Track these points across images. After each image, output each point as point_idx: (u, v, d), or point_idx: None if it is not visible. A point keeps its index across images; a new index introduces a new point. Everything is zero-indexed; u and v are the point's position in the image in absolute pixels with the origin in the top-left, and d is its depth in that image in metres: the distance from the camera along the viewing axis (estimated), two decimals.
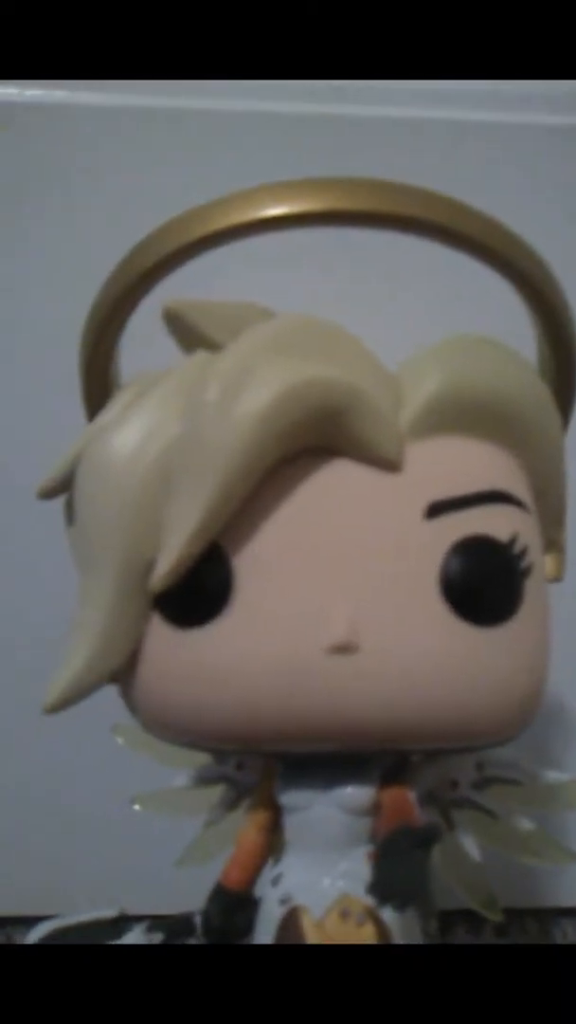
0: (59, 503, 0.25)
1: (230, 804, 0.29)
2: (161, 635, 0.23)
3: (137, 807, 0.31)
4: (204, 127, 0.38)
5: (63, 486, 0.25)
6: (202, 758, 0.29)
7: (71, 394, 0.27)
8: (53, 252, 0.38)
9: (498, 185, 0.35)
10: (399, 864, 0.22)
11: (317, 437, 0.22)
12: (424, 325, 0.27)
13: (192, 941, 0.26)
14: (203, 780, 0.29)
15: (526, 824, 0.28)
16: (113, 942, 0.27)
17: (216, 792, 0.29)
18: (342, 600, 0.22)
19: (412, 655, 0.22)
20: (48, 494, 0.25)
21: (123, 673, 0.24)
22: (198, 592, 0.22)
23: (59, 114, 0.37)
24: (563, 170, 0.39)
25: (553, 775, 0.28)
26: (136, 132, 0.38)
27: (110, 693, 0.25)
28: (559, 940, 0.41)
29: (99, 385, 0.26)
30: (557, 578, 0.26)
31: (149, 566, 0.22)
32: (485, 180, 0.35)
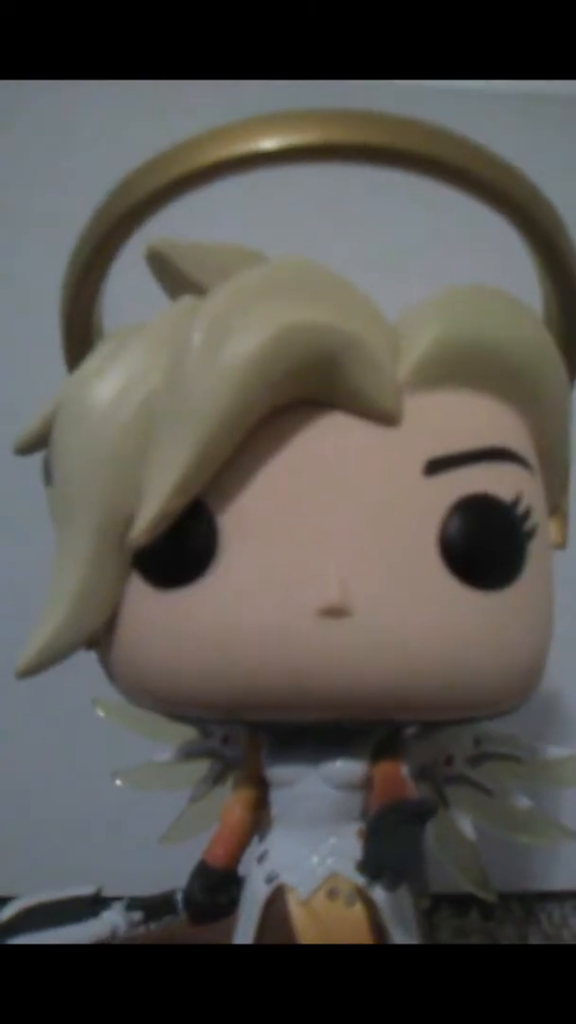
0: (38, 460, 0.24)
1: (215, 779, 0.28)
2: (141, 596, 0.22)
3: (119, 783, 0.30)
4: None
5: (41, 441, 0.23)
6: (187, 732, 0.28)
7: (52, 348, 0.25)
8: (35, 202, 0.37)
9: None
10: (390, 840, 0.21)
11: (310, 386, 0.21)
12: (426, 276, 0.25)
13: (172, 920, 0.25)
14: (188, 755, 0.29)
15: (522, 802, 0.27)
16: (91, 920, 0.26)
17: (201, 767, 0.28)
18: (334, 561, 0.20)
19: (408, 619, 0.21)
20: (25, 449, 0.24)
21: (101, 636, 0.23)
22: (180, 551, 0.21)
23: None
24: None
25: (553, 750, 0.27)
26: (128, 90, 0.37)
27: (90, 663, 0.23)
28: (543, 923, 0.40)
29: (80, 335, 0.25)
30: (561, 545, 0.25)
31: (129, 522, 0.21)
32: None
